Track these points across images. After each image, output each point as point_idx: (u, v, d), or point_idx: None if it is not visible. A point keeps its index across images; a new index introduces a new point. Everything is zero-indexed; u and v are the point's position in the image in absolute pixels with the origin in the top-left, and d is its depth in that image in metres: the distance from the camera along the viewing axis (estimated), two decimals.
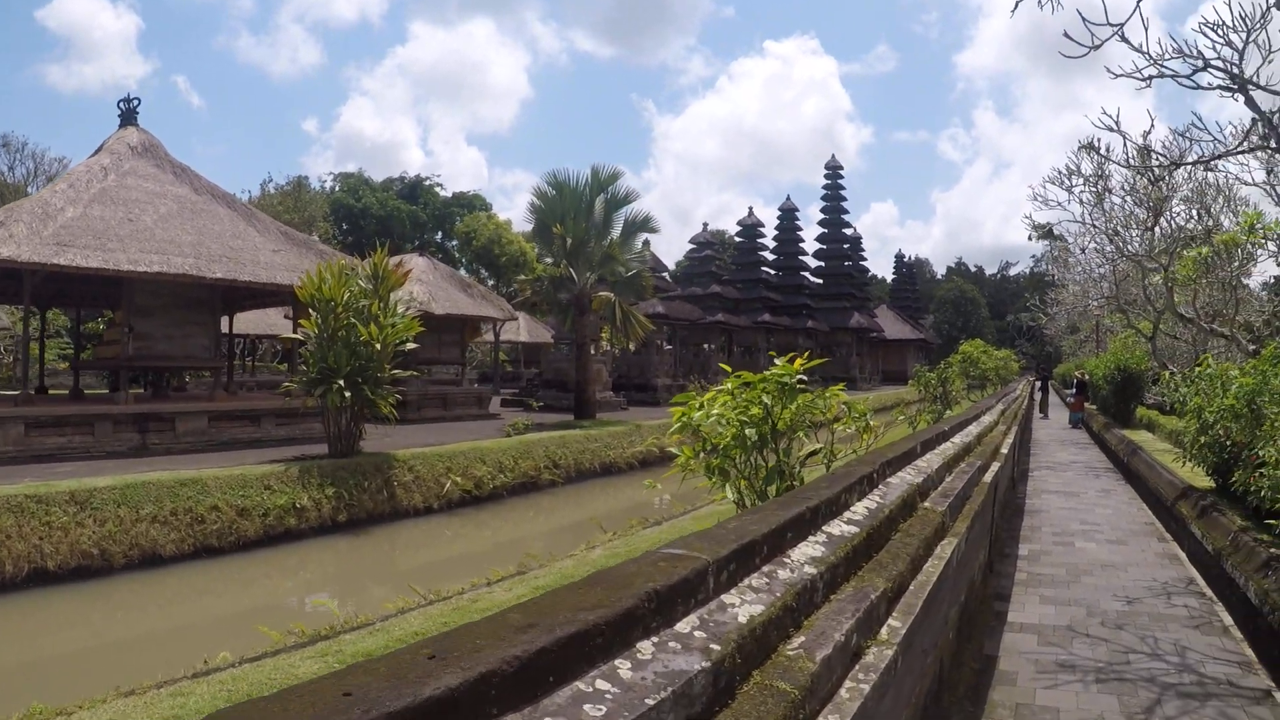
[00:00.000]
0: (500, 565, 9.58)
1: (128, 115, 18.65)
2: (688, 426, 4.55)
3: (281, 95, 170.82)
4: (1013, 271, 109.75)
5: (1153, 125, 11.72)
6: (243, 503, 12.44)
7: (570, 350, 30.72)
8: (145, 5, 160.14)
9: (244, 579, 11.98)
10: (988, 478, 5.82)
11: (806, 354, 5.09)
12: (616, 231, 26.24)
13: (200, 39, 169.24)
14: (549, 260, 26.00)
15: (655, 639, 1.82)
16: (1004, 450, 8.33)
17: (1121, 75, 6.94)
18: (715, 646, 1.86)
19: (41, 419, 14.87)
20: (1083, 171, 16.04)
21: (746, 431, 4.39)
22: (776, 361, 4.74)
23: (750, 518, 2.60)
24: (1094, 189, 15.81)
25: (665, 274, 45.42)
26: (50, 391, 20.91)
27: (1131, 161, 9.37)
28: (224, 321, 22.21)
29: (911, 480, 4.04)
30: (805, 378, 4.74)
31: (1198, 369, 10.29)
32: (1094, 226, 16.75)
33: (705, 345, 49.79)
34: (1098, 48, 6.40)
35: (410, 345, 14.94)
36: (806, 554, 2.57)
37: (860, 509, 3.20)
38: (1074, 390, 28.67)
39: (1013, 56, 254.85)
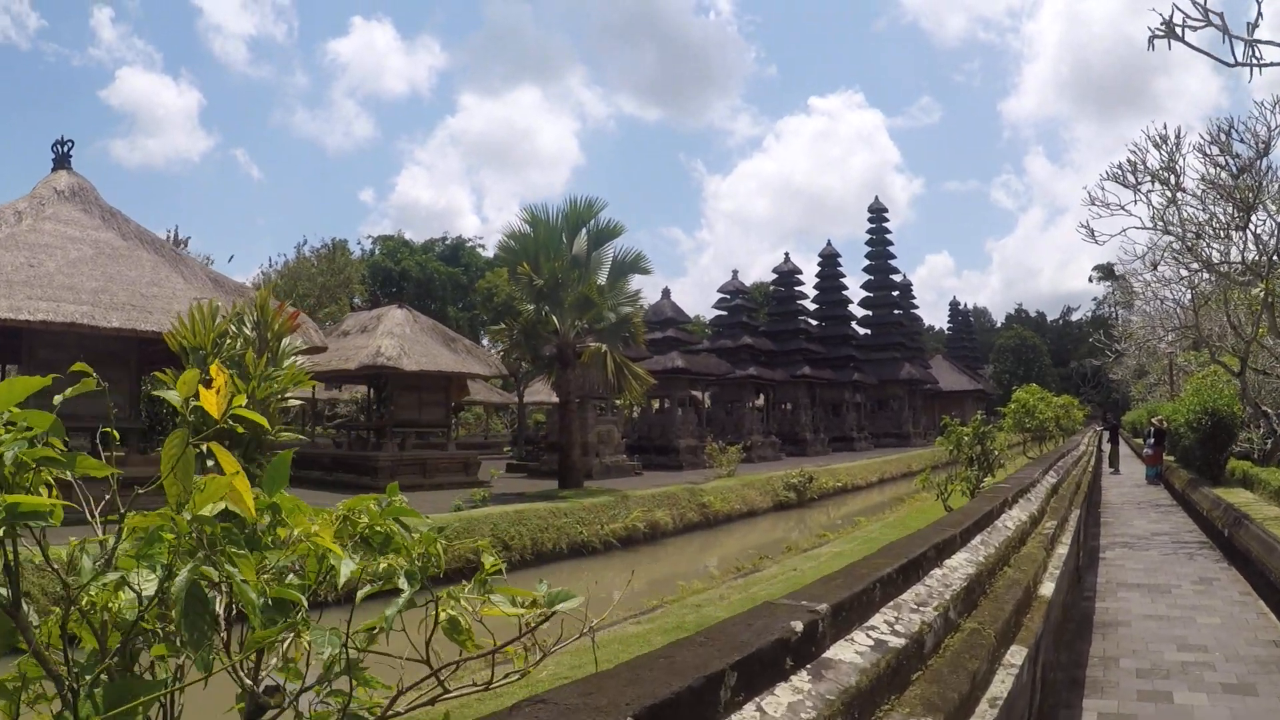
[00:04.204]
0: None
1: (60, 159, 17.76)
2: None
3: (338, 167, 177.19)
4: (1075, 317, 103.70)
5: (1260, 14, 9.15)
6: None
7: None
8: (205, 82, 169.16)
9: None
10: None
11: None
12: (604, 274, 24.38)
13: (259, 114, 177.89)
14: (530, 307, 24.17)
15: None
16: (1043, 591, 4.78)
17: None
18: None
19: None
20: (1148, 165, 13.37)
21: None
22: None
23: None
24: (1164, 182, 13.11)
25: (687, 325, 43.19)
26: None
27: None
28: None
29: None
30: None
31: None
32: (1166, 233, 13.79)
33: (744, 403, 47.09)
34: None
35: (294, 401, 13.13)
36: None
37: None
38: (1150, 440, 24.53)
39: (1057, 102, 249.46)
